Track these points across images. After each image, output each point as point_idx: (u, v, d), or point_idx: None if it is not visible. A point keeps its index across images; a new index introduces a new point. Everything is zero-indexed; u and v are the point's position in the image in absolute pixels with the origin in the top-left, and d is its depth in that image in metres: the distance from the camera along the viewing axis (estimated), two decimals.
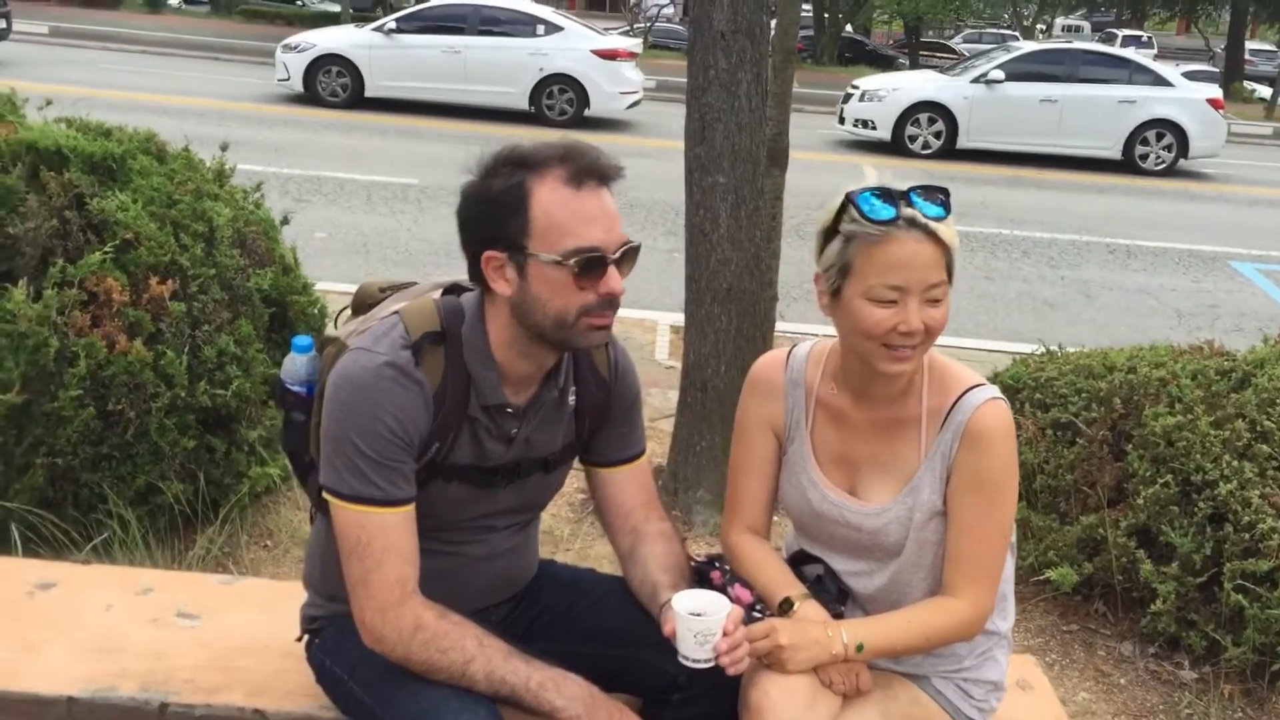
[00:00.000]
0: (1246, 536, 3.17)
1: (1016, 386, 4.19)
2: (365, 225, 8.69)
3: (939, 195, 1.83)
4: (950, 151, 14.55)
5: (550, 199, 1.77)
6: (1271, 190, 14.00)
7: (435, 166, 10.98)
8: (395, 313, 1.91)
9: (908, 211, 1.80)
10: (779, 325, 5.17)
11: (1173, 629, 3.28)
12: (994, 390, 1.94)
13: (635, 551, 2.06)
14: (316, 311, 3.90)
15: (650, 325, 6.83)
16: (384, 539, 1.79)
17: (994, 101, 14.54)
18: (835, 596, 2.05)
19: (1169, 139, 14.54)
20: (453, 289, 1.99)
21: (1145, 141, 14.57)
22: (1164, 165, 14.55)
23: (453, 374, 1.87)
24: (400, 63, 14.54)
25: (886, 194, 1.82)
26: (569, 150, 1.80)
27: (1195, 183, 14.17)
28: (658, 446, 4.66)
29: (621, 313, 6.61)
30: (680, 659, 1.80)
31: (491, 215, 1.79)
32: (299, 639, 2.08)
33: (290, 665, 2.10)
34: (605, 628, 2.05)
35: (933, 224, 1.80)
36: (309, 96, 14.63)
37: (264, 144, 11.40)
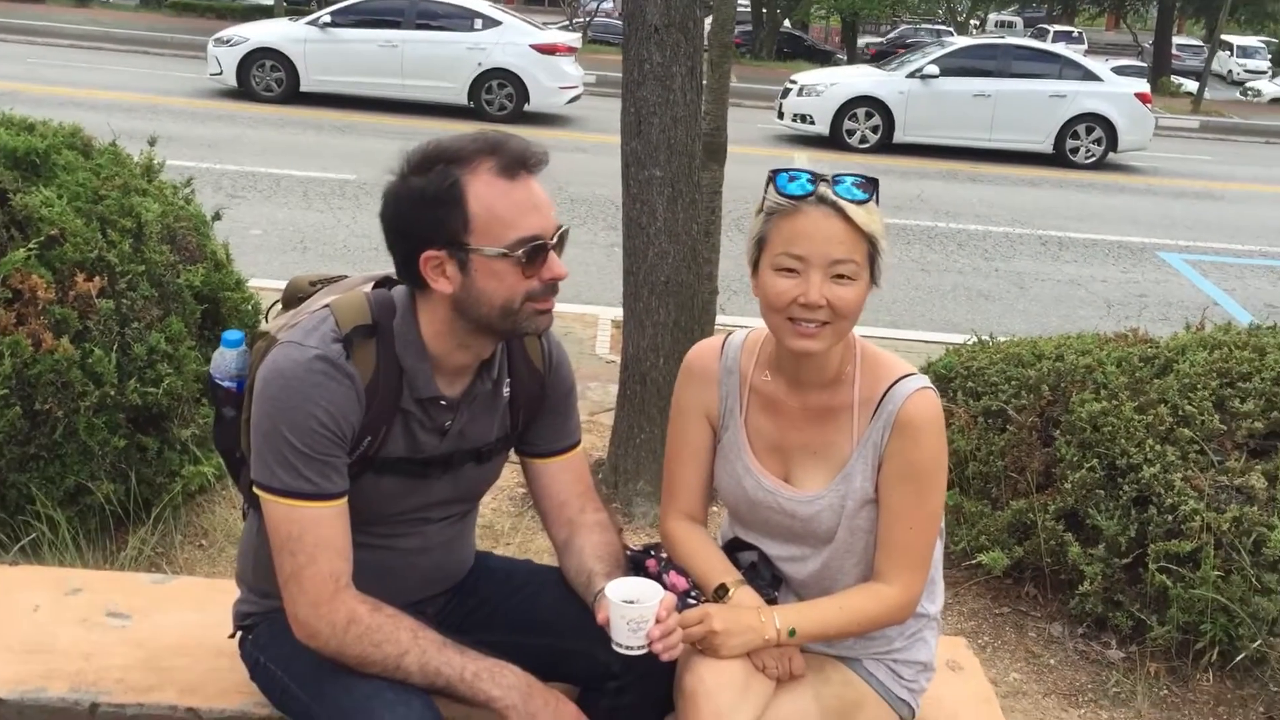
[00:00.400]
0: (1169, 518, 3.25)
1: (949, 375, 4.26)
2: (302, 221, 8.60)
3: (865, 182, 1.87)
4: (887, 146, 14.72)
5: (487, 193, 1.77)
6: (1197, 182, 14.33)
7: (373, 162, 10.89)
8: (326, 306, 1.90)
9: (822, 189, 1.84)
10: (720, 318, 5.21)
11: (1100, 609, 3.36)
12: (924, 380, 1.98)
13: (571, 542, 2.08)
14: (250, 308, 3.85)
15: (591, 320, 6.84)
16: (316, 533, 1.79)
17: (929, 96, 14.74)
18: (769, 582, 2.08)
19: (1098, 133, 14.82)
20: (384, 282, 1.98)
21: (1075, 135, 14.84)
22: (1094, 159, 14.83)
23: (385, 367, 1.87)
24: (336, 57, 14.39)
25: (808, 174, 1.86)
26: (494, 143, 1.81)
27: (1124, 175, 14.46)
28: (598, 440, 4.68)
29: (562, 307, 6.63)
30: (614, 646, 1.82)
31: (426, 215, 1.78)
32: (232, 636, 2.07)
33: (224, 663, 2.09)
34: (541, 618, 2.06)
35: (845, 203, 1.83)
36: (242, 91, 14.43)
37: (197, 139, 11.23)
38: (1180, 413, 3.47)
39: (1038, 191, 12.71)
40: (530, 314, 1.84)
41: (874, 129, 14.77)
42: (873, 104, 14.78)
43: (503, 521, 3.90)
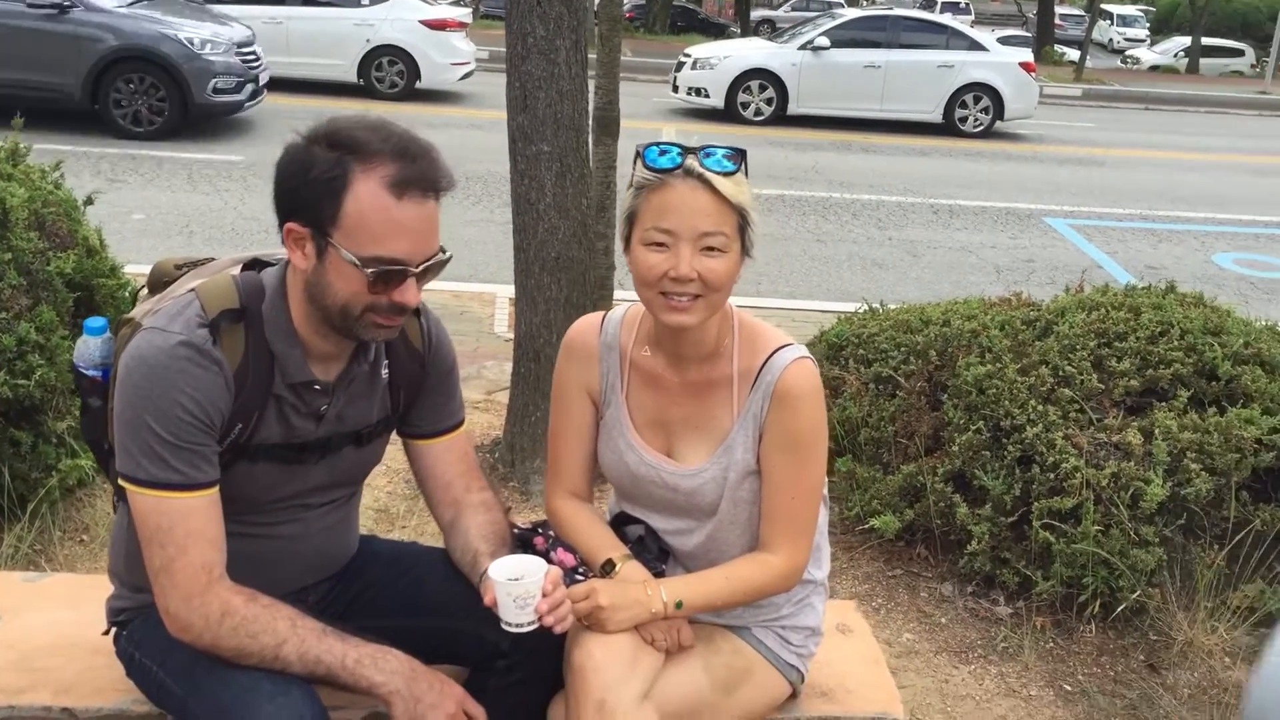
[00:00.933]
0: (1051, 476, 3.34)
1: (841, 344, 4.33)
2: (187, 205, 8.35)
3: (733, 154, 1.87)
4: (782, 118, 14.81)
5: (367, 199, 1.71)
6: (1081, 149, 14.72)
7: (260, 142, 10.62)
8: (191, 290, 1.84)
9: (689, 162, 1.84)
10: (618, 294, 5.20)
11: (988, 568, 3.44)
12: (801, 350, 1.99)
13: (457, 522, 2.05)
14: (127, 295, 3.73)
15: (489, 298, 6.78)
16: (186, 525, 1.74)
17: (821, 68, 14.85)
18: (656, 555, 2.08)
19: (986, 102, 15.11)
20: (253, 265, 1.93)
21: (964, 105, 15.11)
22: (982, 127, 15.13)
23: (254, 352, 1.82)
24: None
25: (677, 147, 1.85)
26: (402, 150, 1.73)
27: (1011, 143, 14.79)
28: (496, 419, 4.64)
29: (460, 286, 6.54)
30: (503, 625, 1.80)
31: (305, 190, 1.73)
32: (106, 633, 2.00)
33: (100, 661, 2.02)
34: (428, 600, 2.03)
35: (712, 175, 1.83)
36: None
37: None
38: (1060, 373, 3.57)
39: (929, 161, 12.93)
40: (369, 324, 1.78)
41: (768, 101, 14.85)
42: (766, 76, 14.85)
43: (397, 505, 3.85)
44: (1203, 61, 30.86)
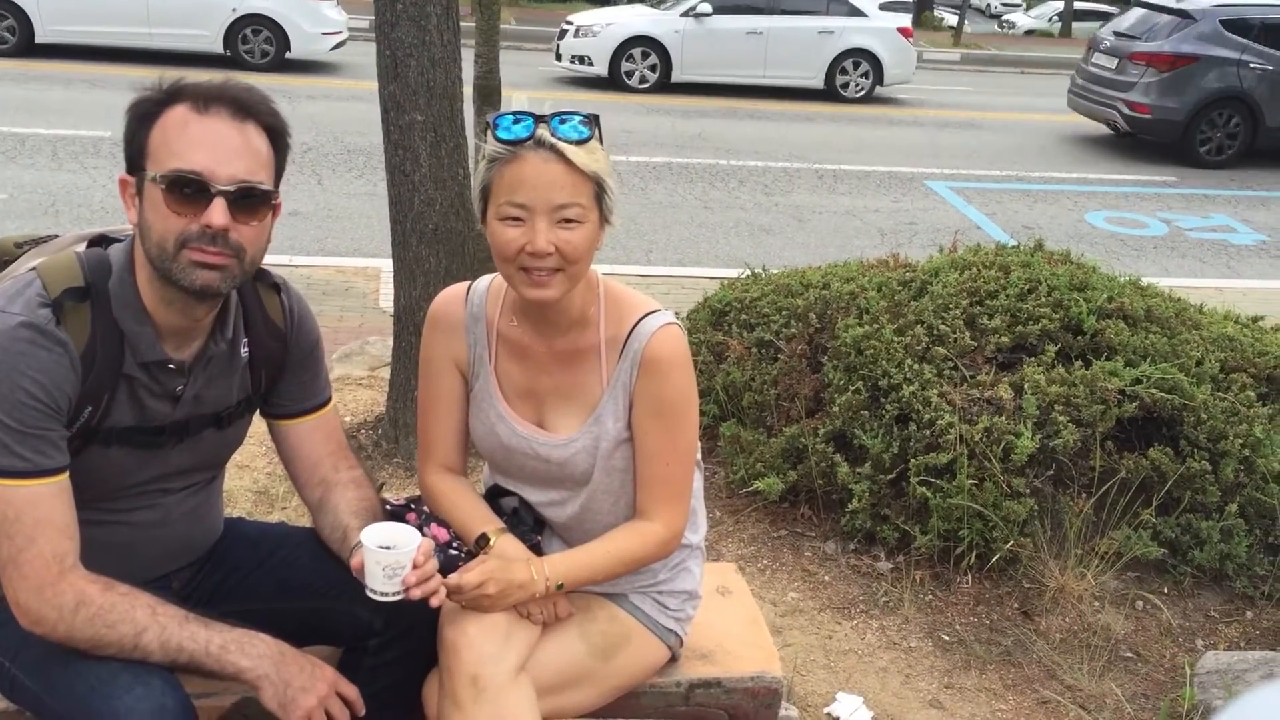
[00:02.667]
0: (928, 433, 3.42)
1: (724, 309, 4.36)
2: (52, 183, 8.02)
3: (586, 119, 1.84)
4: (666, 85, 14.78)
5: (171, 119, 1.69)
6: (960, 113, 15.02)
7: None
8: (33, 269, 1.76)
9: (540, 132, 1.80)
10: None
11: (869, 525, 3.52)
12: (668, 316, 1.99)
13: (326, 500, 2.01)
14: None
15: (373, 273, 6.66)
16: (34, 513, 1.67)
17: (703, 35, 14.82)
18: (532, 527, 2.07)
19: (865, 67, 15.30)
20: (99, 241, 1.86)
21: (844, 71, 15.27)
22: (862, 93, 15.32)
23: (102, 331, 1.74)
24: (74, 4, 13.28)
25: (527, 117, 1.82)
26: (221, 83, 1.73)
27: (893, 108, 15.02)
28: (379, 395, 4.57)
29: (344, 261, 6.40)
30: (369, 593, 1.77)
31: (128, 134, 1.73)
32: None
33: None
34: (297, 581, 1.99)
35: (563, 145, 1.80)
36: None
37: None
38: (935, 332, 3.65)
39: (814, 127, 13.07)
40: (186, 264, 1.70)
41: (651, 69, 14.80)
42: (649, 44, 14.75)
43: (277, 485, 3.76)
44: (1075, 25, 31.68)
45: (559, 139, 1.80)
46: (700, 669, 2.19)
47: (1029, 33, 33.51)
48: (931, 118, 14.36)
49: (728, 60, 14.89)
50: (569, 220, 1.81)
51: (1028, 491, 3.36)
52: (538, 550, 2.05)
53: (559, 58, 15.32)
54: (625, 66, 14.71)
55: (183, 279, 1.70)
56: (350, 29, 14.90)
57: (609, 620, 2.05)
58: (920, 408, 3.46)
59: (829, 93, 15.21)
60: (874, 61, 15.25)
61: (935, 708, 2.97)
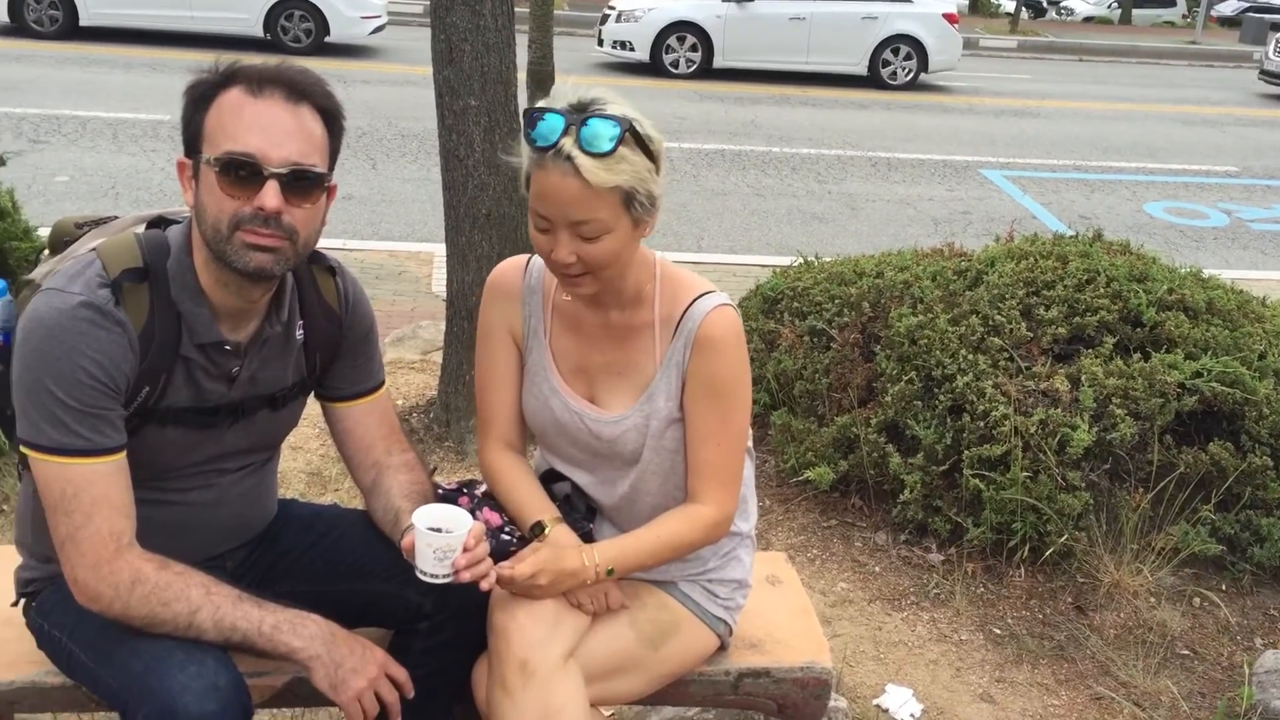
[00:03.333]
0: (981, 425, 3.37)
1: (776, 297, 4.33)
2: (113, 166, 8.14)
3: (614, 129, 1.75)
4: (708, 71, 14.65)
5: (227, 102, 1.70)
6: (1016, 100, 14.81)
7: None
8: (92, 250, 1.78)
9: (565, 142, 1.74)
10: None
11: (920, 516, 3.48)
12: (722, 297, 1.97)
13: (378, 483, 2.02)
14: (40, 259, 3.62)
15: (426, 257, 6.70)
16: (92, 491, 1.69)
17: (746, 20, 14.62)
18: (584, 514, 2.06)
19: (910, 54, 15.05)
20: (157, 222, 1.87)
21: (888, 57, 15.03)
22: (907, 80, 15.07)
23: (160, 312, 1.76)
24: None
25: (559, 118, 1.75)
26: (276, 66, 1.73)
27: (948, 96, 14.84)
28: (431, 379, 4.59)
29: (397, 245, 6.45)
30: (418, 574, 1.77)
31: (185, 116, 1.74)
32: (15, 604, 1.95)
33: (10, 633, 1.97)
34: (349, 563, 2.00)
35: (583, 161, 1.73)
36: (16, 27, 13.32)
37: None
38: (990, 322, 3.59)
39: (866, 114, 12.94)
40: (240, 246, 1.70)
41: (693, 54, 14.66)
42: (691, 29, 14.56)
43: (330, 467, 3.80)
44: (1135, 12, 31.12)
45: (582, 151, 1.73)
46: (749, 658, 2.18)
47: (1088, 19, 32.94)
48: (987, 106, 14.17)
49: (770, 46, 14.71)
50: (588, 236, 1.79)
51: (1083, 485, 3.31)
52: (589, 538, 2.05)
53: (600, 43, 15.25)
54: (667, 52, 14.59)
55: (236, 261, 1.71)
56: (390, 13, 14.91)
57: (658, 608, 2.04)
58: (974, 399, 3.41)
59: (872, 79, 14.99)
60: (919, 48, 15.00)
61: (986, 701, 2.94)
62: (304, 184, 1.72)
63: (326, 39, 13.96)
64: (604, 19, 15.28)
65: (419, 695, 1.85)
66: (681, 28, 14.61)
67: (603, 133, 1.75)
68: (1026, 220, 8.46)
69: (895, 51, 15.01)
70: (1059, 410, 3.33)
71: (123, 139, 8.92)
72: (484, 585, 1.80)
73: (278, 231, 1.70)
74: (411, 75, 12.48)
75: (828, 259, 4.59)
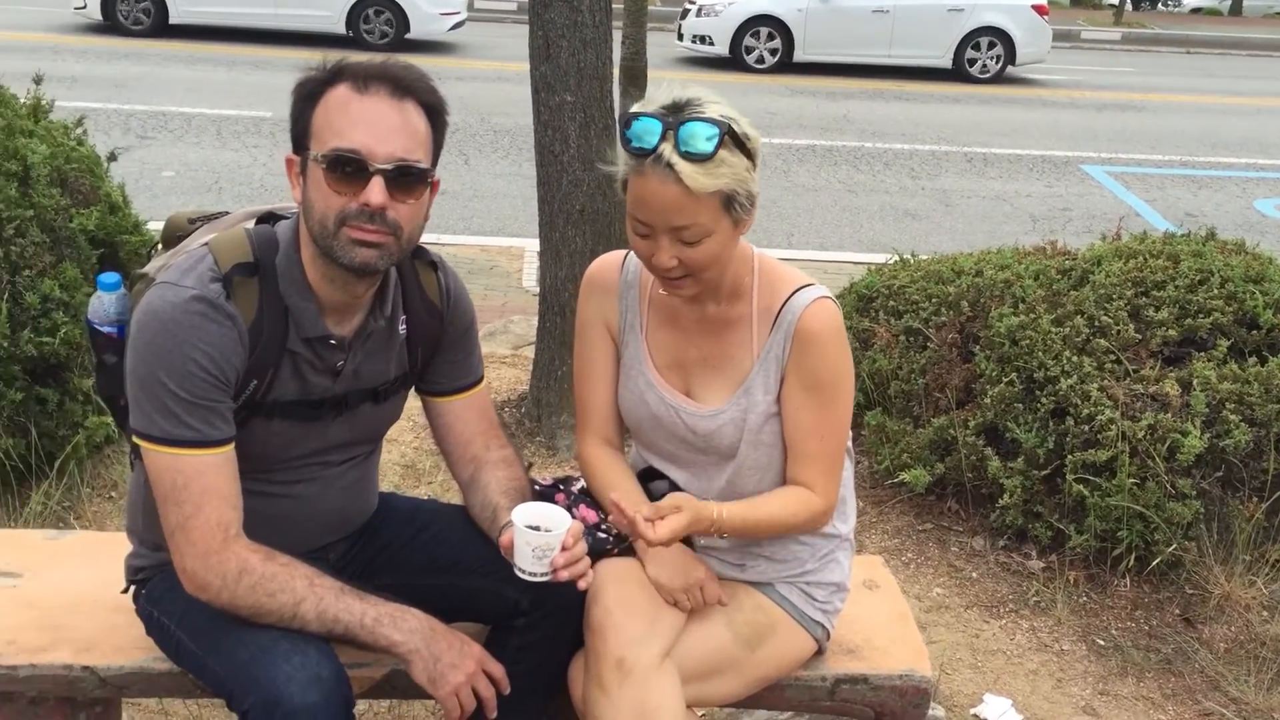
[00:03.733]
0: (1086, 429, 3.28)
1: (871, 295, 4.26)
2: (216, 161, 8.34)
3: (713, 133, 1.72)
4: (787, 65, 14.44)
5: (334, 98, 1.71)
6: (1119, 94, 14.41)
7: (286, 97, 10.55)
8: (205, 244, 1.81)
9: (663, 148, 1.72)
10: None
11: (1020, 522, 3.39)
12: (822, 289, 1.94)
13: (476, 478, 2.03)
14: (151, 251, 3.71)
15: (517, 252, 6.75)
16: (202, 482, 1.72)
17: (827, 14, 14.36)
18: None
19: (997, 46, 14.66)
20: (267, 218, 1.90)
21: (974, 50, 14.68)
22: (992, 73, 14.70)
23: (268, 306, 1.78)
24: None
25: (656, 123, 1.73)
26: (382, 63, 1.75)
27: (1047, 90, 14.50)
28: (523, 374, 4.62)
29: (488, 240, 6.50)
30: (516, 571, 1.77)
31: (294, 113, 1.76)
32: (125, 591, 2.00)
33: (120, 619, 2.01)
34: (447, 558, 2.01)
35: (682, 167, 1.71)
36: (109, 25, 13.66)
37: (102, 79, 10.83)
38: (1096, 323, 3.49)
39: (961, 108, 12.71)
40: (346, 241, 1.71)
41: (773, 49, 14.47)
42: (772, 23, 14.34)
43: (424, 460, 3.84)
44: (1246, 3, 30.06)
45: (681, 157, 1.71)
46: (846, 664, 2.14)
47: (1195, 11, 31.94)
48: (1089, 99, 13.81)
49: (852, 39, 14.45)
50: (689, 241, 1.77)
51: (1194, 493, 3.20)
52: (687, 539, 2.03)
53: (680, 37, 15.15)
54: (747, 45, 14.43)
55: (343, 256, 1.73)
56: (475, 9, 14.99)
57: (755, 610, 2.01)
58: (1079, 402, 3.32)
59: (957, 72, 14.65)
60: (1006, 40, 14.61)
61: (1089, 714, 2.86)
62: (408, 179, 1.73)
63: (407, 35, 14.10)
64: (684, 13, 15.19)
65: (514, 691, 1.85)
66: (762, 21, 14.44)
67: (701, 135, 1.72)
68: (1130, 218, 8.22)
69: (980, 44, 14.64)
70: (1169, 415, 3.23)
71: (226, 135, 9.13)
72: (581, 584, 1.80)
73: (383, 227, 1.72)
74: (505, 71, 12.58)
75: (923, 257, 4.51)
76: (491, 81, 12.12)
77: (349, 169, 1.69)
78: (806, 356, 1.90)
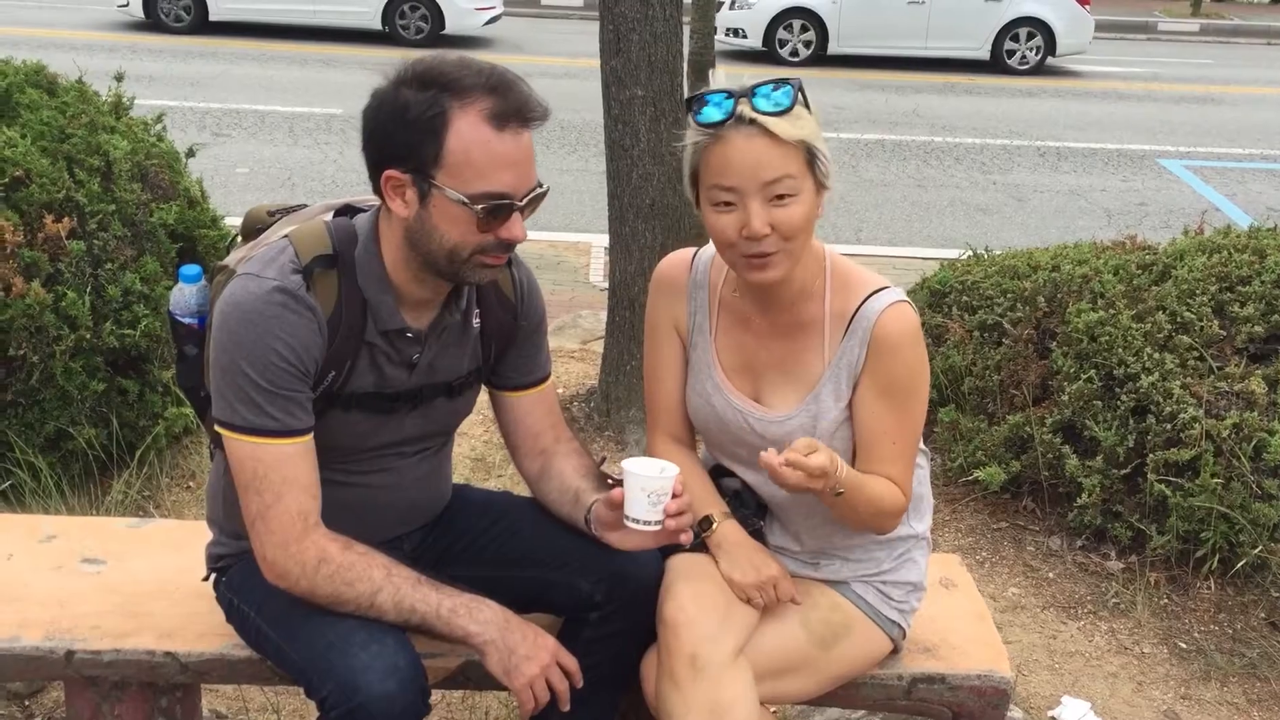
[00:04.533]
0: (1168, 427, 3.20)
1: (944, 290, 4.20)
2: (289, 158, 8.47)
3: (786, 88, 1.74)
4: (821, 58, 14.20)
5: (470, 134, 1.67)
6: (1198, 86, 14.07)
7: (359, 95, 10.69)
8: (285, 236, 1.83)
9: (741, 109, 1.73)
10: None
11: (1098, 521, 3.32)
12: (898, 293, 1.90)
13: (549, 468, 2.03)
14: (228, 246, 3.77)
15: (584, 248, 6.76)
16: (282, 471, 1.73)
17: (862, 5, 14.09)
18: (755, 511, 2.03)
19: (1036, 37, 14.29)
20: (345, 210, 1.91)
21: (1013, 40, 14.32)
22: (1032, 65, 14.35)
23: (347, 299, 1.80)
24: None
25: (726, 95, 1.74)
26: (497, 83, 1.70)
27: (1123, 82, 14.20)
28: (591, 368, 4.62)
29: (556, 236, 6.54)
30: (628, 521, 1.76)
31: (403, 133, 1.69)
32: (206, 579, 2.03)
33: (201, 606, 2.04)
34: (520, 550, 2.01)
35: (765, 118, 1.71)
36: (151, 23, 13.87)
37: (179, 78, 11.04)
38: (1179, 319, 3.41)
39: (1034, 101, 12.49)
40: (476, 266, 1.75)
41: (807, 42, 14.21)
42: (805, 15, 14.12)
43: (494, 454, 3.86)
44: None
45: (760, 113, 1.72)
46: (923, 663, 2.11)
47: (1276, 1, 31.05)
48: (1166, 92, 13.50)
49: (887, 31, 14.19)
50: (782, 196, 1.74)
51: None
52: (760, 536, 2.01)
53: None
54: (780, 37, 14.25)
55: (470, 277, 1.78)
56: (501, 3, 14.93)
57: (831, 608, 1.99)
58: (1160, 399, 3.24)
59: (995, 64, 14.30)
60: (1045, 30, 14.24)
61: (1170, 719, 2.78)
62: (536, 202, 1.76)
63: (443, 31, 14.12)
64: (718, 6, 15.03)
65: (587, 684, 1.85)
66: (795, 14, 14.22)
67: (776, 93, 1.74)
68: (1209, 213, 8.01)
69: (1020, 35, 14.25)
70: (1255, 414, 3.13)
71: (298, 132, 9.27)
72: (683, 538, 1.79)
73: (510, 251, 1.77)
74: (572, 68, 12.62)
75: (997, 252, 4.43)
76: (558, 78, 12.15)
77: (500, 211, 1.70)
78: (884, 362, 1.86)
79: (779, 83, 1.74)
